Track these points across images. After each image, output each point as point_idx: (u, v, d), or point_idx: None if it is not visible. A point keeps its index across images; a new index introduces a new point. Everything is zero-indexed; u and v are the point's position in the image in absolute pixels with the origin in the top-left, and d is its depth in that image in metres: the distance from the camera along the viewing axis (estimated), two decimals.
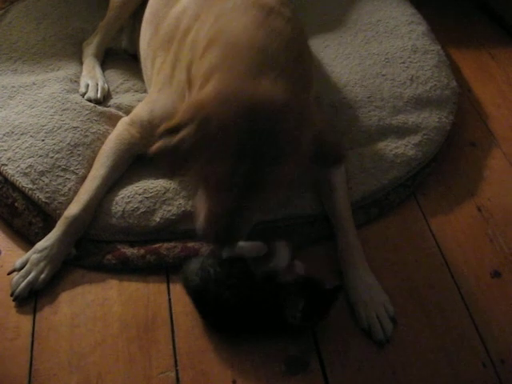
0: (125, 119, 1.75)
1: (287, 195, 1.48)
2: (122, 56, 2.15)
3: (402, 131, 1.89)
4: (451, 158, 1.96)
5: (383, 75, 2.03)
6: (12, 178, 1.68)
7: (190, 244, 1.61)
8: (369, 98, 1.96)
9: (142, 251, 1.61)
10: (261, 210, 1.41)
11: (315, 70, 1.72)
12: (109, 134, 1.76)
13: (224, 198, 1.31)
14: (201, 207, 1.40)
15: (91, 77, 1.98)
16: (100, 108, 1.87)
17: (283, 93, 1.29)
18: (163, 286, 1.58)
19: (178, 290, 1.57)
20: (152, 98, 1.70)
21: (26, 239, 1.65)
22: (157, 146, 1.32)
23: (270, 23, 1.41)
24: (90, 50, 2.07)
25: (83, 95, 1.92)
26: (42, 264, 1.55)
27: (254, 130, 1.25)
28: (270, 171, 1.27)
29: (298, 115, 1.29)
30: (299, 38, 1.49)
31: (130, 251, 1.61)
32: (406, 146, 1.86)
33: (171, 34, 1.68)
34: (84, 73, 2.01)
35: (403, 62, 2.08)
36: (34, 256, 1.55)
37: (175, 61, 1.62)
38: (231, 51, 1.36)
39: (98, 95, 1.92)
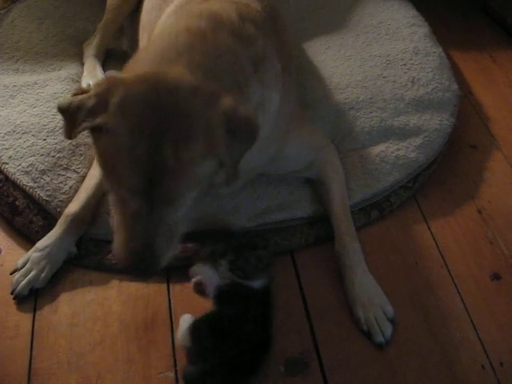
0: None
1: (206, 192, 1.34)
2: (123, 57, 2.14)
3: (403, 133, 1.89)
4: (452, 161, 1.96)
5: (384, 77, 2.04)
6: (13, 176, 1.68)
7: (190, 245, 1.61)
8: (370, 99, 1.96)
9: None
10: (180, 216, 1.27)
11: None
12: None
13: (131, 195, 1.21)
14: (113, 222, 1.31)
15: (92, 77, 1.99)
16: None
17: (192, 78, 1.24)
18: (163, 286, 1.58)
19: (177, 290, 1.57)
20: None
21: (27, 238, 1.65)
22: (62, 102, 1.26)
23: (212, 34, 1.36)
24: (90, 50, 2.08)
25: None
26: (42, 263, 1.55)
27: (157, 108, 1.18)
28: (174, 152, 1.17)
29: (206, 99, 1.22)
30: (246, 56, 1.41)
31: None
32: (408, 147, 1.86)
33: None
34: (85, 73, 2.02)
35: (404, 64, 2.08)
36: (35, 255, 1.56)
37: None
38: (155, 45, 1.35)
39: None
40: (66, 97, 1.86)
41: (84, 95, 1.22)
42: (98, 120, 1.19)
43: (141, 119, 1.18)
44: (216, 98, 1.23)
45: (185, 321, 1.43)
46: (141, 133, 1.17)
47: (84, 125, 1.22)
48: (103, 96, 1.20)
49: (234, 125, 1.24)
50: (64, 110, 1.24)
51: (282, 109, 1.55)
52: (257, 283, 1.47)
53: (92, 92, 1.22)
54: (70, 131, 1.25)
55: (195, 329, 1.39)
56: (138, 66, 1.31)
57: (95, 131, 1.23)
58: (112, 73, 2.04)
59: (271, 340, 1.43)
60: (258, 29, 1.49)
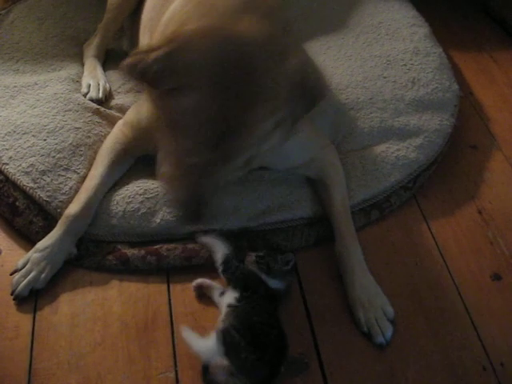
0: (120, 121, 1.77)
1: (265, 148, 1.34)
2: (123, 57, 2.14)
3: (403, 133, 1.89)
4: (452, 161, 1.96)
5: (385, 77, 2.03)
6: (13, 177, 1.68)
7: (191, 245, 1.61)
8: (370, 99, 1.96)
9: (143, 252, 1.61)
10: (230, 173, 1.31)
11: None
12: None
13: (195, 148, 1.23)
14: (164, 159, 1.32)
15: (93, 77, 1.98)
16: (102, 110, 1.88)
17: (263, 31, 1.23)
18: (163, 287, 1.58)
19: (178, 290, 1.57)
20: (142, 99, 1.71)
21: (27, 238, 1.65)
22: (128, 61, 1.25)
23: None
24: (90, 50, 2.08)
25: (85, 95, 1.93)
26: (42, 263, 1.55)
27: (229, 65, 1.18)
28: (244, 110, 1.18)
29: (276, 55, 1.22)
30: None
31: (130, 252, 1.61)
32: (408, 148, 1.86)
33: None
34: (85, 73, 2.01)
35: (405, 65, 2.08)
36: (35, 255, 1.55)
37: None
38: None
39: (100, 95, 1.93)
40: (66, 97, 1.86)
41: (153, 53, 1.20)
42: (167, 80, 1.19)
43: (211, 77, 1.17)
44: (286, 54, 1.23)
45: (198, 336, 1.40)
46: (213, 90, 1.16)
47: (153, 84, 1.22)
48: (173, 54, 1.19)
49: (304, 84, 1.23)
50: (131, 69, 1.22)
51: None
52: (273, 282, 1.48)
53: (161, 51, 1.19)
54: (137, 85, 1.25)
55: (228, 337, 1.35)
56: (198, 19, 1.26)
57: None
58: (113, 73, 2.04)
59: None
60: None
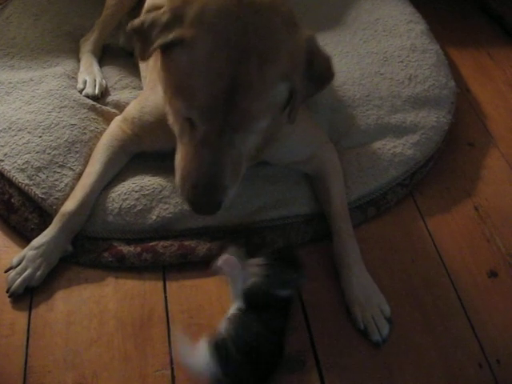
0: (118, 117, 1.75)
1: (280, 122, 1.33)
2: (119, 53, 2.14)
3: (400, 130, 1.89)
4: (449, 158, 1.96)
5: (381, 74, 2.03)
6: (8, 173, 1.67)
7: (187, 242, 1.61)
8: (367, 96, 1.96)
9: (139, 249, 1.60)
10: (247, 146, 1.27)
11: None
12: None
13: (203, 115, 1.18)
14: (179, 158, 1.29)
15: (89, 73, 1.97)
16: (98, 107, 1.87)
17: None
18: (160, 284, 1.58)
19: (174, 288, 1.57)
20: (144, 95, 1.70)
21: (22, 235, 1.64)
22: (135, 21, 1.23)
23: None
24: (87, 46, 2.07)
25: (81, 91, 1.92)
26: (38, 261, 1.54)
27: (240, 20, 1.14)
28: (257, 68, 1.14)
29: (290, 24, 1.20)
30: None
31: (126, 249, 1.61)
32: (404, 145, 1.86)
33: None
34: (82, 69, 2.00)
35: (402, 61, 2.08)
36: (30, 253, 1.55)
37: None
38: None
39: (96, 91, 1.92)
40: (62, 94, 1.85)
41: (157, 11, 1.17)
42: (174, 33, 1.15)
43: (222, 30, 1.13)
44: (297, 27, 1.21)
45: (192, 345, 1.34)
46: (222, 44, 1.12)
47: (159, 41, 1.17)
48: (179, 9, 1.15)
49: (314, 58, 1.21)
50: (137, 29, 1.19)
51: None
52: (282, 291, 1.42)
53: (166, 7, 1.16)
54: (145, 51, 1.21)
55: (220, 349, 1.31)
56: None
57: (168, 49, 1.19)
58: (109, 69, 2.04)
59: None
60: None
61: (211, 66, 1.15)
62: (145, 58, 1.24)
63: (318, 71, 1.27)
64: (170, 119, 1.36)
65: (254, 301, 1.39)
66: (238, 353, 1.30)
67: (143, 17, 1.23)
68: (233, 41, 1.14)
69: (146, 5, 1.40)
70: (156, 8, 1.21)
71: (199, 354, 1.31)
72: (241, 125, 1.21)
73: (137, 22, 1.23)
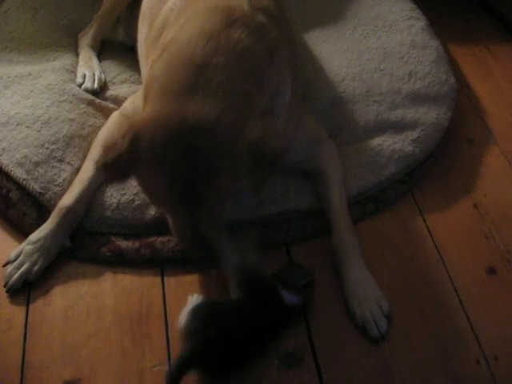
0: (115, 112, 1.76)
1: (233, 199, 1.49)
2: (118, 47, 2.13)
3: (399, 126, 1.89)
4: (448, 155, 1.95)
5: (381, 70, 2.02)
6: (6, 168, 1.67)
7: None
8: (367, 92, 1.95)
9: (137, 244, 1.60)
10: (215, 217, 1.42)
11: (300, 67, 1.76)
12: None
13: (173, 210, 1.39)
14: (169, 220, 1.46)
15: (88, 67, 1.97)
16: (97, 102, 1.87)
17: (212, 112, 1.28)
18: (158, 280, 1.58)
19: (172, 283, 1.57)
20: (139, 91, 1.70)
21: (20, 230, 1.64)
22: (101, 160, 1.38)
23: (226, 34, 1.37)
24: (85, 40, 2.06)
25: (80, 85, 1.91)
26: (35, 255, 1.54)
27: (184, 150, 1.28)
28: (205, 186, 1.30)
29: (229, 131, 1.30)
30: (261, 48, 1.43)
31: (124, 244, 1.60)
32: (404, 141, 1.85)
33: (161, 31, 1.66)
34: (81, 63, 2.00)
35: (402, 57, 2.07)
36: (28, 247, 1.55)
37: None
38: (171, 66, 1.37)
39: (95, 85, 1.92)
40: (60, 88, 1.85)
41: (116, 149, 1.31)
42: (136, 171, 1.35)
43: (171, 163, 1.29)
44: (240, 128, 1.31)
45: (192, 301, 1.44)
46: (174, 175, 1.29)
47: (126, 176, 1.39)
48: (132, 147, 1.30)
49: (260, 155, 1.32)
50: (106, 167, 1.35)
51: (292, 96, 1.56)
52: (289, 297, 1.45)
53: (122, 145, 1.31)
54: (116, 179, 1.47)
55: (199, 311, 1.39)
56: (157, 96, 1.35)
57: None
58: (108, 64, 2.03)
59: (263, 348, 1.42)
60: (270, 17, 1.51)
61: (169, 191, 1.31)
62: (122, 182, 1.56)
63: (268, 163, 1.36)
64: None
65: (253, 290, 1.43)
66: (212, 321, 1.35)
67: (103, 154, 1.38)
68: (181, 169, 1.29)
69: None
70: (112, 146, 1.34)
71: (184, 310, 1.40)
72: (205, 215, 1.36)
73: (103, 161, 1.36)
